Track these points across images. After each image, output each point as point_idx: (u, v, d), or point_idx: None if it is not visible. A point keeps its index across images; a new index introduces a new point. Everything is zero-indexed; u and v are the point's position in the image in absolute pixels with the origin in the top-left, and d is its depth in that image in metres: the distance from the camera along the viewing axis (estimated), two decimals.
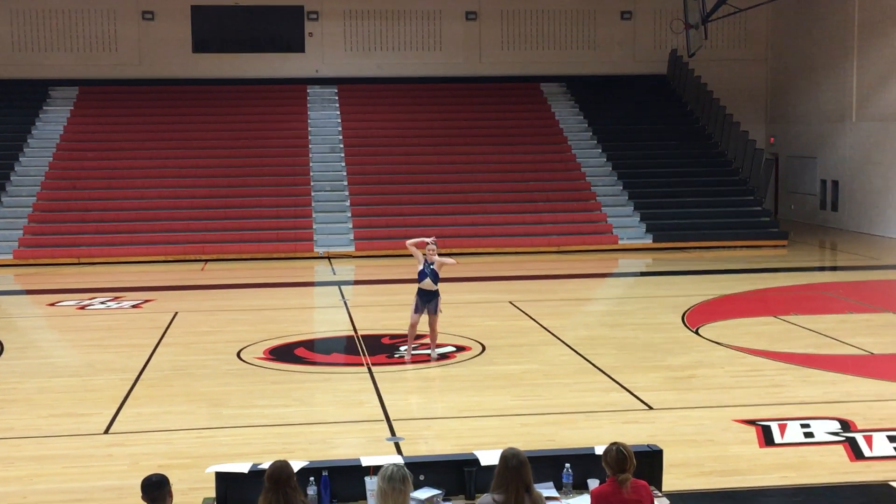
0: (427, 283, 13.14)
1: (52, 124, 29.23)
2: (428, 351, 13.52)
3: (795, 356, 13.35)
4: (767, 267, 22.46)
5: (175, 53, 31.32)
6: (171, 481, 5.93)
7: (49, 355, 14.65)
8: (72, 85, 30.76)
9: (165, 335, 15.24)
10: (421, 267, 13.27)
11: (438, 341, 13.54)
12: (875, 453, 9.34)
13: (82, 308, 18.01)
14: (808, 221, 31.14)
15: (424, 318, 13.26)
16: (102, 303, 18.51)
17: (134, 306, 18.10)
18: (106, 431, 10.26)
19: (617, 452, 6.04)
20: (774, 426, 10.09)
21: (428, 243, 13.30)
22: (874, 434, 9.81)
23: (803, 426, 10.12)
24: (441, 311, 13.35)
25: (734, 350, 13.75)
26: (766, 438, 9.77)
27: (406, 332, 13.58)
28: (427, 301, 13.16)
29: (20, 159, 27.61)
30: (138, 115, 29.76)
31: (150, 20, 31.17)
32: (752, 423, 10.22)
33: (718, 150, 29.53)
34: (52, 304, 18.59)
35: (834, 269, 24.00)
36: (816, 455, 9.32)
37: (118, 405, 11.18)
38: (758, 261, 23.52)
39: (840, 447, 9.50)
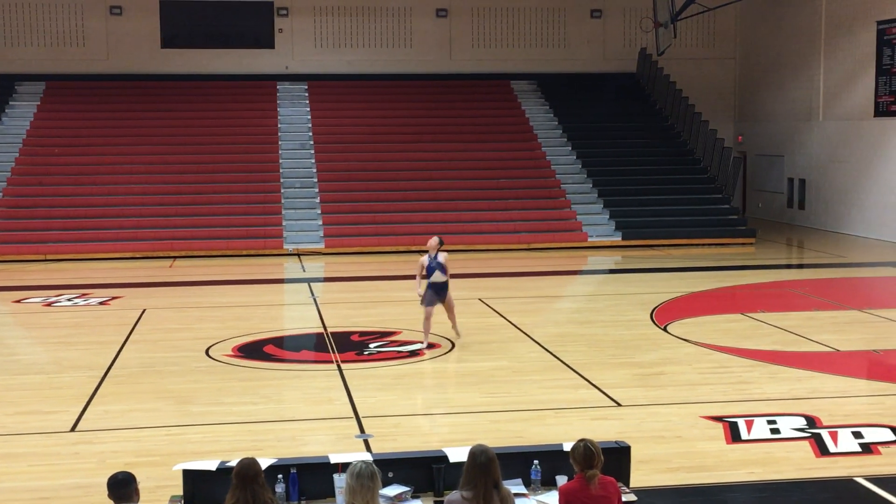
0: (437, 276, 13.69)
1: (18, 119, 28.93)
2: (398, 348, 13.52)
3: (762, 353, 13.46)
4: (735, 264, 22.64)
5: (143, 48, 31.09)
6: (138, 479, 5.91)
7: (15, 353, 14.52)
8: (39, 80, 30.45)
9: (133, 332, 15.14)
10: (428, 263, 13.77)
11: (409, 338, 13.59)
12: (840, 449, 9.44)
13: (49, 305, 17.87)
14: (776, 219, 31.40)
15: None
16: (69, 300, 18.37)
17: (101, 303, 17.98)
18: (73, 429, 10.19)
19: (584, 449, 6.06)
20: (741, 422, 10.18)
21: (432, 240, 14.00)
22: (839, 430, 9.92)
23: (770, 422, 10.21)
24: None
25: (702, 347, 13.85)
26: (733, 434, 9.85)
27: (382, 329, 13.56)
28: (440, 291, 13.75)
29: None
30: (106, 110, 29.52)
31: (118, 15, 30.92)
32: (719, 419, 10.30)
33: (687, 148, 29.71)
34: (19, 301, 18.43)
35: (801, 266, 24.22)
36: (782, 451, 9.41)
37: (85, 403, 11.11)
38: (726, 258, 23.70)
39: (806, 443, 9.59)
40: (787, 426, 10.09)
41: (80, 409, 10.83)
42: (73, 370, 12.82)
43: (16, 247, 24.08)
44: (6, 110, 29.24)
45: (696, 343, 14.08)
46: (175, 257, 24.18)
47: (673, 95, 30.88)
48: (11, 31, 30.53)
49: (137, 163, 27.36)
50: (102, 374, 12.47)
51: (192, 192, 26.38)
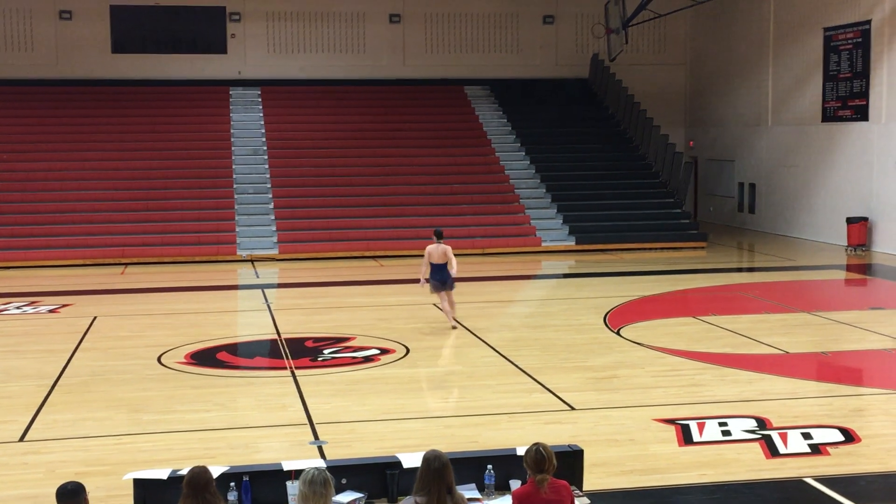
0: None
1: None
2: (352, 354, 13.52)
3: (713, 356, 13.60)
4: (687, 268, 22.85)
5: (93, 53, 30.76)
6: (87, 489, 5.83)
7: None
8: None
9: (84, 340, 14.97)
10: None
11: (363, 343, 13.61)
12: (790, 450, 9.55)
13: None
14: (727, 223, 31.75)
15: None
16: (18, 307, 18.12)
17: (51, 311, 17.75)
18: (21, 439, 10.04)
19: (535, 453, 6.09)
20: (693, 425, 10.27)
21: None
22: (789, 431, 10.04)
23: (721, 424, 10.31)
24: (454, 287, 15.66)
25: (654, 350, 13.96)
26: (685, 437, 9.94)
27: (336, 335, 13.53)
28: (444, 280, 15.37)
29: None
30: (56, 115, 29.17)
31: (67, 20, 30.57)
32: (671, 422, 10.39)
33: (639, 153, 29.95)
34: None
35: (751, 269, 24.50)
36: (734, 453, 9.50)
37: (34, 412, 10.95)
38: (678, 262, 23.91)
39: (756, 445, 9.70)
40: (738, 428, 10.20)
41: (29, 419, 10.68)
42: (21, 379, 12.64)
43: None
44: None
45: (648, 346, 14.19)
46: (126, 264, 23.93)
47: (625, 101, 31.13)
48: None
49: (88, 168, 27.06)
50: (52, 382, 12.31)
51: (144, 199, 26.13)
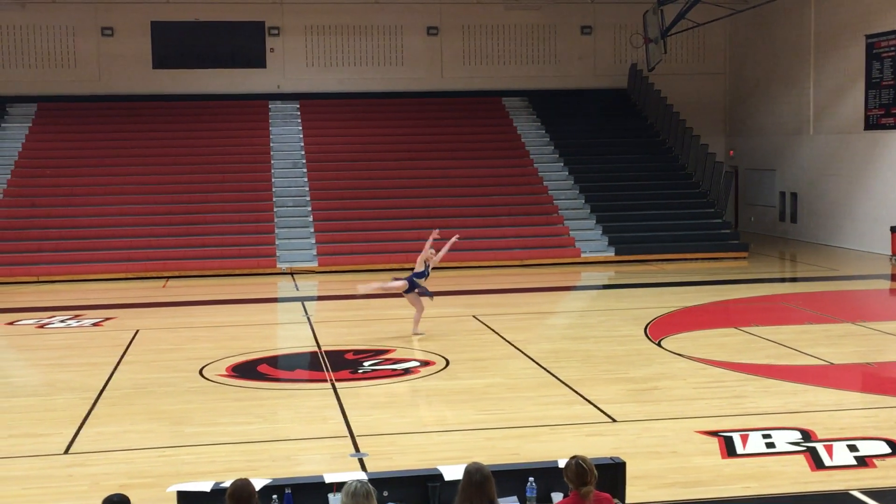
0: (422, 281, 15.83)
1: (10, 141, 28.91)
2: (392, 366, 13.51)
3: (756, 367, 13.46)
4: (728, 279, 22.66)
5: (135, 69, 31.13)
6: (132, 501, 5.87)
7: (8, 375, 14.45)
8: (30, 101, 30.45)
9: (126, 353, 15.10)
10: (424, 269, 15.83)
11: (403, 356, 13.63)
12: (835, 462, 9.43)
13: (42, 327, 17.82)
14: (768, 233, 31.47)
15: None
16: (62, 321, 18.33)
17: (94, 324, 17.93)
18: (66, 451, 10.14)
19: (577, 466, 6.05)
20: (736, 437, 10.16)
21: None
22: (834, 443, 9.91)
23: (765, 436, 10.20)
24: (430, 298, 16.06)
25: (696, 361, 13.85)
26: (728, 449, 9.84)
27: (376, 348, 13.58)
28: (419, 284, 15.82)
29: None
30: (98, 131, 29.53)
31: (109, 36, 30.96)
32: (714, 434, 10.29)
33: (679, 163, 29.78)
34: (11, 324, 18.35)
35: (794, 280, 24.26)
36: (778, 465, 9.39)
37: (78, 425, 11.06)
38: (718, 272, 23.72)
39: (801, 457, 9.58)
40: (783, 440, 10.08)
41: (74, 432, 10.79)
42: (66, 392, 12.77)
43: (8, 269, 24.02)
44: None
45: (690, 358, 14.08)
46: (168, 277, 24.14)
47: (664, 110, 30.99)
48: (3, 53, 30.56)
49: (130, 183, 27.36)
50: (96, 395, 12.42)
51: (184, 212, 26.37)
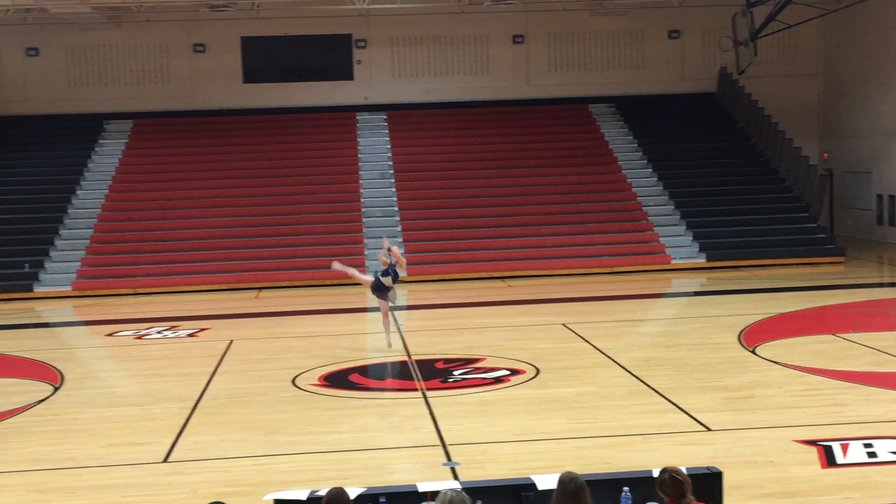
0: (387, 280, 15.71)
1: (107, 157, 29.72)
2: (482, 375, 13.51)
3: (856, 374, 13.13)
4: (824, 284, 22.15)
5: (226, 84, 31.74)
6: None
7: (108, 385, 14.84)
8: (126, 118, 31.27)
9: (221, 363, 15.37)
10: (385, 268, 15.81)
11: (493, 364, 13.61)
12: None
13: (140, 338, 18.24)
14: (865, 237, 30.68)
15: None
16: (159, 332, 18.73)
17: (190, 335, 18.29)
18: (165, 460, 10.35)
19: (672, 479, 5.96)
20: (836, 446, 9.92)
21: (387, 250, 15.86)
22: None
23: (866, 446, 9.93)
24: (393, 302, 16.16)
25: (792, 369, 13.56)
26: (828, 459, 9.60)
27: (465, 356, 13.60)
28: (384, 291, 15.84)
29: (77, 192, 28.10)
30: (191, 145, 30.19)
31: (201, 52, 31.63)
32: (812, 443, 10.06)
33: (771, 167, 29.24)
34: (111, 335, 18.84)
35: (893, 285, 23.60)
36: (880, 475, 9.14)
37: (176, 434, 11.29)
38: (814, 278, 23.20)
39: None
40: (885, 449, 9.81)
41: (172, 440, 11.01)
42: (164, 402, 13.04)
43: (107, 281, 24.68)
44: (96, 148, 30.07)
45: (786, 365, 13.79)
46: (260, 288, 24.52)
47: (755, 114, 30.47)
48: (100, 72, 31.43)
49: (222, 196, 27.88)
50: (192, 405, 12.67)
51: (275, 224, 26.77)
